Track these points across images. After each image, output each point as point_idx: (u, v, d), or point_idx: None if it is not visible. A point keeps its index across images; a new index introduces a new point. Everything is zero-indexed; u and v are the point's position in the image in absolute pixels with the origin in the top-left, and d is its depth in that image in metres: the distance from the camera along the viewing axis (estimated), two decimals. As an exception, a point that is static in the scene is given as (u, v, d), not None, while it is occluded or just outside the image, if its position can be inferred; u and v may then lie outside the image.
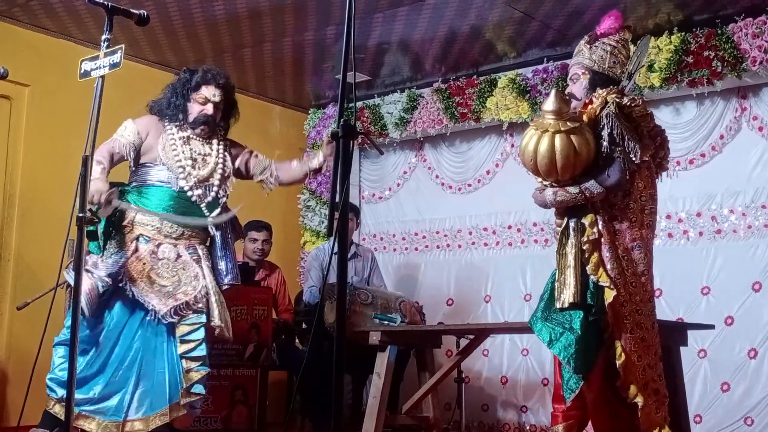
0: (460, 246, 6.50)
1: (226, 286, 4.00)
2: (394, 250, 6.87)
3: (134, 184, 3.97)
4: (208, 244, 4.05)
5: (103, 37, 2.77)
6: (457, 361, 4.96)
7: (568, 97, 3.48)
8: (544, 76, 5.83)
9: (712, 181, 5.32)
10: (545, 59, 5.90)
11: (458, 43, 5.83)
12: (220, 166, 4.04)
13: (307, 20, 5.47)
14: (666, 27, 5.30)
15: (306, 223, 7.12)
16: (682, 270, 5.27)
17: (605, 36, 3.54)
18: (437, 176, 6.68)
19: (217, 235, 4.03)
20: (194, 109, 3.97)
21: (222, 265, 4.01)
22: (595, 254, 3.31)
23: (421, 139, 6.71)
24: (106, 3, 2.81)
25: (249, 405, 5.02)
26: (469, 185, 6.49)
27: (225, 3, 5.18)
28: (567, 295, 3.30)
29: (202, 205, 3.95)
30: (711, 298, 5.23)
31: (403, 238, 6.83)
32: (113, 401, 3.67)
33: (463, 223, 6.49)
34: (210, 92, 3.97)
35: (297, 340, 6.00)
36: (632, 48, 3.66)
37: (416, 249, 6.75)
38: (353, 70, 2.50)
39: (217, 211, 4.00)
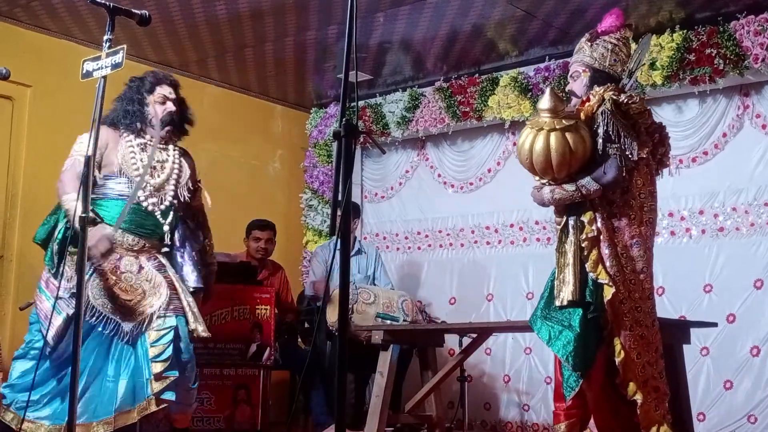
0: (462, 245, 6.50)
1: (191, 289, 3.92)
2: (397, 249, 6.87)
3: (93, 197, 3.76)
4: (167, 250, 3.94)
5: (105, 37, 2.78)
6: (460, 360, 4.95)
7: (563, 95, 3.48)
8: (546, 74, 5.83)
9: (715, 178, 5.31)
10: (547, 57, 5.90)
11: (460, 42, 5.82)
12: (176, 171, 3.95)
13: (309, 20, 5.47)
14: (668, 25, 5.29)
15: (308, 223, 7.11)
16: (684, 268, 5.27)
17: (606, 34, 3.55)
18: (439, 175, 6.68)
19: (176, 240, 3.95)
20: (157, 111, 3.90)
21: (185, 271, 3.93)
22: (594, 251, 3.31)
23: (423, 138, 6.71)
24: (107, 3, 2.81)
25: (252, 404, 5.03)
26: (471, 184, 6.48)
27: (226, 3, 5.18)
28: (566, 292, 3.31)
29: (157, 213, 3.86)
30: (713, 296, 5.23)
31: (406, 237, 6.82)
32: (59, 406, 3.60)
33: (466, 221, 6.49)
34: (167, 90, 3.94)
35: (300, 340, 6.00)
36: (633, 46, 3.66)
37: (419, 248, 6.75)
38: (355, 69, 2.50)
39: (171, 217, 3.90)
